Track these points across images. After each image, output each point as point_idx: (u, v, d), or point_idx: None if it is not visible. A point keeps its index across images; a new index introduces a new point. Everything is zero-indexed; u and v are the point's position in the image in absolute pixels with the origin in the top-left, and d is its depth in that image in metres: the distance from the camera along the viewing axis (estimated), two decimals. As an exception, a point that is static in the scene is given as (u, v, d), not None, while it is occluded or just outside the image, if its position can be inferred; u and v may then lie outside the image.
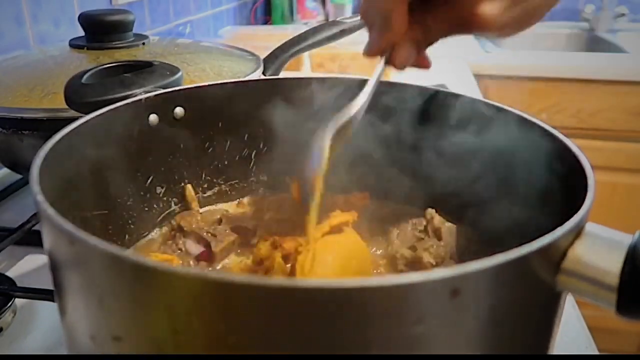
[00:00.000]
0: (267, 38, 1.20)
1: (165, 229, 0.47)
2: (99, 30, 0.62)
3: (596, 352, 0.44)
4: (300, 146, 0.52)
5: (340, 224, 0.40)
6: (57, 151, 0.32)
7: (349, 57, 1.14)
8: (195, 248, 0.44)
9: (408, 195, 0.48)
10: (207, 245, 0.44)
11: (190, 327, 0.22)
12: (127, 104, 0.40)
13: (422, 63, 0.39)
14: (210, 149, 0.49)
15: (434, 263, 0.41)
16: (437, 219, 0.44)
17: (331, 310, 0.21)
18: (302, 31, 0.71)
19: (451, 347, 0.23)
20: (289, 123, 0.50)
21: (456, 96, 0.43)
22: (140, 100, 0.41)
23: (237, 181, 0.52)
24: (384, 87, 0.46)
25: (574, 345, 0.45)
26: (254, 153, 0.51)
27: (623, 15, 1.78)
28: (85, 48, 0.62)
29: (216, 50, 0.70)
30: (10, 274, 0.49)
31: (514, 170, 0.37)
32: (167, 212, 0.48)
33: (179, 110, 0.45)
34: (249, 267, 0.42)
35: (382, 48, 0.37)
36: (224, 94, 0.47)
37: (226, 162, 0.51)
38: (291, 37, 0.71)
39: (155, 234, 0.47)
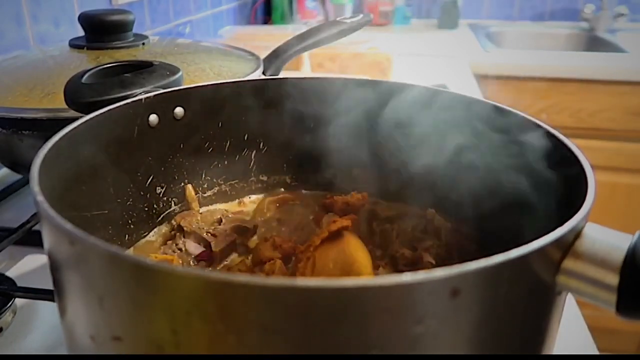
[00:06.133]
0: (267, 38, 1.20)
1: (165, 229, 0.47)
2: (99, 30, 0.62)
3: (596, 352, 0.45)
4: (300, 146, 0.52)
5: (339, 229, 0.40)
6: (57, 151, 0.32)
7: (349, 57, 1.14)
8: (195, 248, 0.44)
9: (408, 195, 0.48)
10: (207, 245, 0.44)
11: (190, 327, 0.22)
12: (127, 104, 0.40)
13: None
14: (210, 149, 0.49)
15: (434, 263, 0.41)
16: (437, 219, 0.44)
17: (331, 310, 0.21)
18: (302, 31, 0.71)
19: (451, 347, 0.23)
20: (288, 123, 0.50)
21: (456, 97, 0.43)
22: (140, 100, 0.41)
23: (237, 181, 0.52)
24: (385, 87, 0.46)
25: (574, 345, 0.45)
26: (254, 153, 0.51)
27: (623, 15, 1.79)
28: (85, 48, 0.62)
29: (216, 50, 0.70)
30: (10, 274, 0.49)
31: (514, 170, 0.37)
32: (167, 212, 0.48)
33: (179, 110, 0.45)
34: (249, 267, 0.42)
35: None
36: (224, 94, 0.47)
37: (226, 162, 0.51)
38: (291, 37, 0.71)
39: (155, 234, 0.47)
